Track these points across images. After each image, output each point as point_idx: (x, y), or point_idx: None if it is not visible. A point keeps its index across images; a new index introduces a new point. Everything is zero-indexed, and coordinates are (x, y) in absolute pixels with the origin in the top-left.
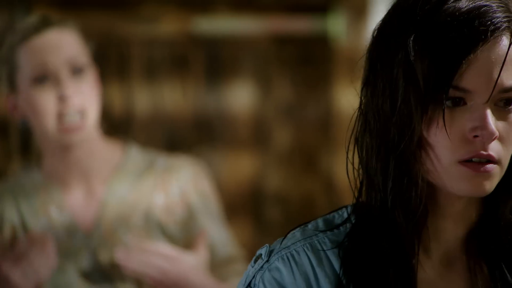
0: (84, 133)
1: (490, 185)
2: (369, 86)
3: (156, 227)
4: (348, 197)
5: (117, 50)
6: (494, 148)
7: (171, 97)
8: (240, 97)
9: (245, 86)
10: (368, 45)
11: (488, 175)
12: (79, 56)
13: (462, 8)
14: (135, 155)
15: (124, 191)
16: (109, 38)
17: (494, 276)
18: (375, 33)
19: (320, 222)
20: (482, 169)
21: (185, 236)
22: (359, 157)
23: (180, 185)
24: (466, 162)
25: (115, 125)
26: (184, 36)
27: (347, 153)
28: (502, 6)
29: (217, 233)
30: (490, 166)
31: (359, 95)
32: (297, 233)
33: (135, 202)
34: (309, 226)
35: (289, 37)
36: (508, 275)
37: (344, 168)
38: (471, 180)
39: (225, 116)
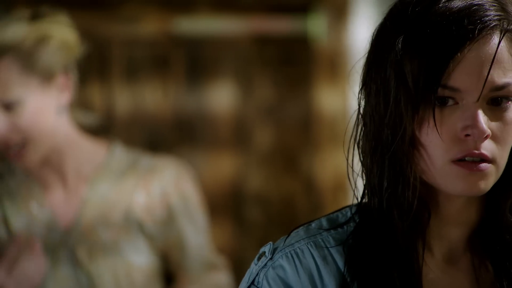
0: (32, 159)
1: (485, 184)
2: (366, 88)
3: (135, 226)
4: (328, 197)
5: (98, 50)
6: (487, 147)
7: (152, 97)
8: (221, 97)
9: (226, 86)
10: (366, 48)
11: (482, 174)
12: (7, 91)
13: (453, 7)
14: (119, 154)
15: (105, 189)
16: (90, 38)
17: (499, 274)
18: (372, 35)
19: (323, 221)
20: (475, 168)
21: (164, 237)
22: (359, 158)
23: (162, 186)
24: (459, 161)
25: (96, 126)
26: (165, 36)
27: (347, 154)
28: (495, 5)
29: (195, 237)
30: (484, 165)
31: (357, 97)
32: (300, 232)
33: (116, 201)
34: (313, 225)
35: (270, 38)
36: None
37: (323, 168)
38: (465, 179)
39: (206, 116)
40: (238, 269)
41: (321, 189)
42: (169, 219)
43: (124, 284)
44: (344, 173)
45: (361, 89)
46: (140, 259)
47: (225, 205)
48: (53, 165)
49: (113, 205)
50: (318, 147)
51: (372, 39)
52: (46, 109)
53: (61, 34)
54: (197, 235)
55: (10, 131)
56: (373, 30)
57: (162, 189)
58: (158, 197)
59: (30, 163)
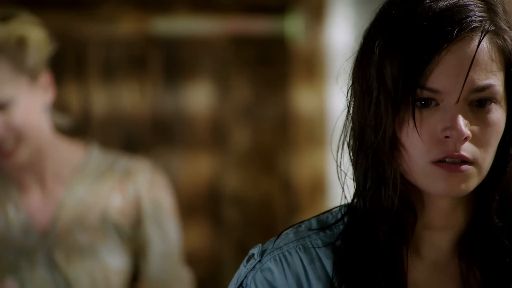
0: (21, 158)
1: (466, 186)
2: (352, 88)
3: (112, 228)
4: (305, 198)
5: (75, 51)
6: (467, 149)
7: (129, 98)
8: (198, 98)
9: (203, 86)
10: (355, 48)
11: (462, 175)
12: (2, 91)
13: (436, 8)
14: (96, 156)
15: (82, 192)
16: (66, 39)
17: (486, 281)
18: (360, 37)
19: (313, 222)
20: (455, 169)
21: (134, 240)
22: (349, 157)
23: (135, 189)
24: (440, 162)
25: (73, 126)
26: (142, 37)
27: (337, 155)
28: (480, 6)
29: (159, 244)
30: (464, 166)
31: (346, 97)
32: (290, 233)
33: (93, 203)
34: (303, 226)
35: (247, 38)
36: (501, 281)
37: (301, 168)
38: (445, 180)
39: (183, 116)
40: (215, 269)
41: (298, 190)
42: (138, 222)
43: (100, 286)
44: (322, 174)
45: (348, 89)
46: (116, 261)
47: (202, 206)
48: (33, 167)
49: (89, 208)
50: (295, 148)
51: (361, 38)
52: (34, 108)
53: (35, 33)
54: (163, 243)
55: (4, 130)
56: (360, 30)
57: (136, 192)
58: (132, 200)
59: (18, 163)
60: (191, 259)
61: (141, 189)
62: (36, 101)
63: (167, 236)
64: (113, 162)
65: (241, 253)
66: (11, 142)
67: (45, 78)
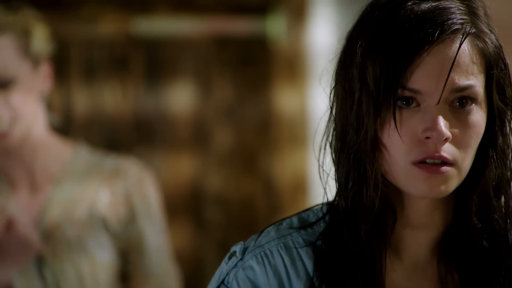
0: (13, 139)
1: (446, 187)
2: (335, 88)
3: (99, 223)
4: (287, 198)
5: (56, 51)
6: (448, 150)
7: (110, 98)
8: (180, 98)
9: (185, 87)
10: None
11: (442, 176)
12: (5, 69)
13: (418, 11)
14: (84, 154)
15: (70, 188)
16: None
17: (464, 284)
18: (343, 38)
19: (294, 220)
20: (436, 170)
21: (125, 237)
22: (332, 157)
23: (125, 186)
24: (420, 163)
25: (54, 126)
26: (124, 37)
27: (319, 155)
28: (461, 9)
29: (154, 239)
30: (444, 168)
31: (328, 97)
32: (271, 231)
33: (81, 198)
34: (284, 224)
35: (229, 38)
36: (478, 282)
37: (282, 168)
38: (425, 181)
39: (165, 117)
40: (197, 269)
41: (280, 190)
42: (131, 219)
43: (88, 280)
44: (303, 174)
45: (331, 89)
46: (103, 256)
47: (184, 206)
48: (24, 162)
49: (77, 203)
50: (277, 148)
51: (343, 40)
52: (33, 93)
53: (39, 26)
54: (157, 238)
55: (2, 108)
56: (342, 31)
57: (125, 189)
58: (122, 197)
59: (10, 145)
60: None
61: (131, 187)
62: (36, 86)
63: (159, 231)
64: (101, 160)
65: (223, 253)
66: (7, 122)
67: (46, 68)
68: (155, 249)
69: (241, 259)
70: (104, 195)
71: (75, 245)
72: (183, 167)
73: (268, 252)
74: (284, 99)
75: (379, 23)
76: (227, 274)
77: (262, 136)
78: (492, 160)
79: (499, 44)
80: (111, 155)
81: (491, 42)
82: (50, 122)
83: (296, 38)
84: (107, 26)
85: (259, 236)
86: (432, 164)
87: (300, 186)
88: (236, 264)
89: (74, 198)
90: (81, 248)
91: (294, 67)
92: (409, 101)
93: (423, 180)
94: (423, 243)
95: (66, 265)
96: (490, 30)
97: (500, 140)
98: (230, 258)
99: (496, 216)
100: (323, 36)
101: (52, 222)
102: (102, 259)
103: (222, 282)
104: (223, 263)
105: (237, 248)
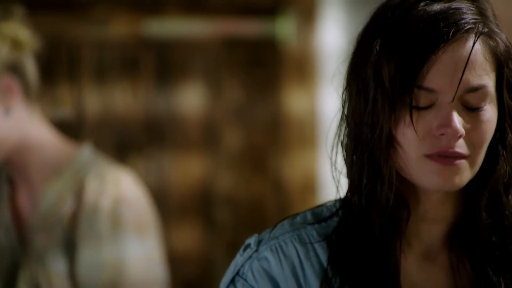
0: None
1: (460, 179)
2: (348, 89)
3: (61, 232)
4: (297, 198)
5: (67, 53)
6: (461, 145)
7: (121, 99)
8: (190, 99)
9: (195, 88)
10: (350, 50)
11: (456, 168)
12: None
13: (431, 11)
14: (83, 158)
15: (53, 194)
16: (59, 41)
17: (476, 272)
18: (356, 38)
19: (308, 215)
20: (449, 162)
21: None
22: (343, 156)
23: (91, 195)
24: (433, 156)
25: (66, 127)
26: (135, 39)
27: (331, 154)
28: (472, 9)
29: (91, 254)
30: (458, 161)
31: (341, 98)
32: (285, 224)
33: (57, 206)
34: (298, 218)
35: (239, 40)
36: (490, 272)
37: (292, 169)
38: (439, 173)
39: (176, 118)
40: (207, 269)
41: (290, 190)
42: (78, 227)
43: None
44: (313, 174)
45: (344, 90)
46: (60, 266)
47: (194, 206)
48: (16, 166)
49: (53, 212)
50: (286, 149)
51: (356, 41)
52: None
53: (8, 31)
54: (95, 253)
55: None
56: (351, 32)
57: (89, 199)
58: (82, 207)
59: None
60: (183, 259)
61: (95, 197)
62: None
63: (104, 249)
64: (91, 166)
65: (233, 253)
66: None
67: (5, 81)
68: (89, 264)
69: (256, 250)
70: (70, 204)
71: (37, 255)
72: (193, 167)
73: (282, 243)
74: (293, 100)
75: (393, 23)
76: (242, 265)
77: (272, 137)
78: (502, 157)
79: (509, 44)
80: (111, 162)
81: (502, 42)
82: (59, 119)
83: (306, 39)
84: (118, 28)
85: (273, 228)
86: (444, 157)
87: (310, 187)
88: (251, 256)
89: (53, 206)
90: (41, 258)
91: (304, 68)
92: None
93: (437, 172)
94: (435, 235)
95: (26, 275)
96: (499, 30)
97: (510, 137)
98: (245, 250)
99: (506, 212)
100: (333, 38)
101: (32, 231)
102: (58, 269)
103: (237, 273)
104: (237, 255)
105: (251, 240)
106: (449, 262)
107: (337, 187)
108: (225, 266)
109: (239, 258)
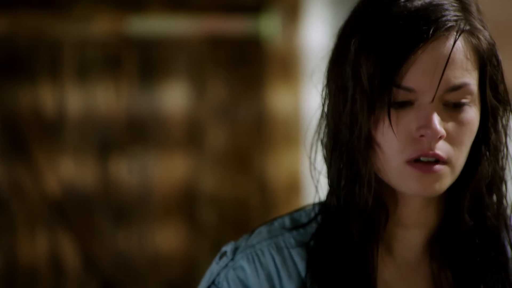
0: None
1: (440, 185)
2: (328, 86)
3: None
4: (281, 198)
5: (49, 51)
6: (442, 148)
7: (104, 98)
8: (174, 98)
9: (179, 86)
10: (329, 47)
11: (436, 175)
12: None
13: (411, 8)
14: None
15: None
16: (40, 39)
17: (457, 282)
18: (336, 34)
19: (286, 220)
20: (429, 169)
21: None
22: (323, 156)
23: None
24: (414, 162)
25: (48, 127)
26: (117, 36)
27: (311, 153)
28: (454, 5)
29: None
30: (438, 166)
31: (321, 96)
32: (263, 231)
33: None
34: (276, 224)
35: (223, 38)
36: (471, 281)
37: (276, 168)
38: (419, 180)
39: (159, 116)
40: (191, 269)
41: (274, 190)
42: None
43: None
44: (297, 173)
45: (324, 87)
46: None
47: (178, 206)
48: None
49: None
50: (271, 148)
51: (335, 37)
52: None
53: None
54: None
55: None
56: (336, 30)
57: None
58: None
59: None
60: (167, 259)
61: None
62: None
63: None
64: None
65: (217, 253)
66: None
67: None
68: None
69: (232, 259)
70: None
71: None
72: (177, 167)
73: (259, 252)
74: (278, 99)
75: (372, 20)
76: (218, 274)
77: (256, 136)
78: (485, 157)
79: (492, 41)
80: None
81: (485, 39)
82: (40, 117)
83: (290, 37)
84: (101, 26)
85: (250, 236)
86: (425, 162)
87: (294, 186)
88: (226, 265)
89: None
90: None
91: (288, 66)
92: (404, 104)
93: (416, 179)
94: (415, 241)
95: None
96: (483, 27)
97: (493, 137)
98: (221, 258)
99: (488, 213)
100: (317, 36)
101: None
102: None
103: (213, 282)
104: (213, 263)
105: (228, 248)
106: (431, 270)
107: (316, 187)
108: (208, 266)
109: (214, 267)
